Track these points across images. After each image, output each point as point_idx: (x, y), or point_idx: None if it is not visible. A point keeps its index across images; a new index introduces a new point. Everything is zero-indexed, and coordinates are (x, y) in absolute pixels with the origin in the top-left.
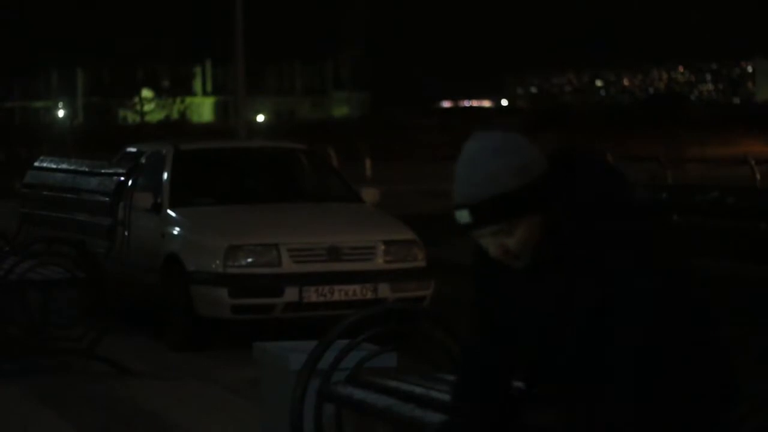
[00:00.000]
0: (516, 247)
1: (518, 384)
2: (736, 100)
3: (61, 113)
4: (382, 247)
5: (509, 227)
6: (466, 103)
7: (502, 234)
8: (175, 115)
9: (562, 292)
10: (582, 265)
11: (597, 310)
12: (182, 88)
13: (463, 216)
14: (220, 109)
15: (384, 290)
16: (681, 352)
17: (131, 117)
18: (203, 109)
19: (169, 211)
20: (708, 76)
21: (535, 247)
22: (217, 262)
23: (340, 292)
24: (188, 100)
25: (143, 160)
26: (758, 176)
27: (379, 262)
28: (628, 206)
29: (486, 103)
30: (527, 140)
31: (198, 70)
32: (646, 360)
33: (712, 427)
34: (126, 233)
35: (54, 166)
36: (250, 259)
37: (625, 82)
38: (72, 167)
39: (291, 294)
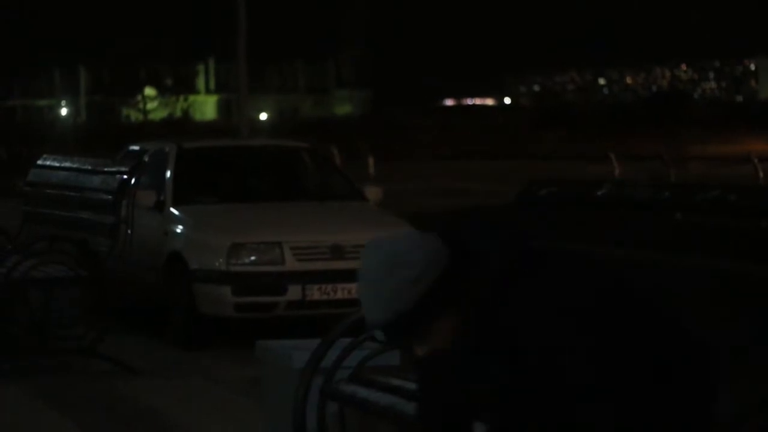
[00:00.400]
0: (440, 346)
1: None
2: (739, 99)
3: (63, 112)
4: None
5: (424, 335)
6: (469, 102)
7: (417, 342)
8: (178, 114)
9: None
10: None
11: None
12: (185, 86)
13: (379, 335)
14: (222, 107)
15: None
16: None
17: (134, 115)
18: (206, 107)
19: (172, 210)
20: (711, 75)
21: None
22: (220, 260)
23: (343, 291)
24: (191, 98)
25: (146, 159)
26: (761, 174)
27: None
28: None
29: (489, 102)
30: (420, 239)
31: (201, 68)
32: None
33: None
34: (129, 231)
35: (57, 164)
36: (253, 258)
37: (628, 80)
38: (75, 165)
39: (294, 292)
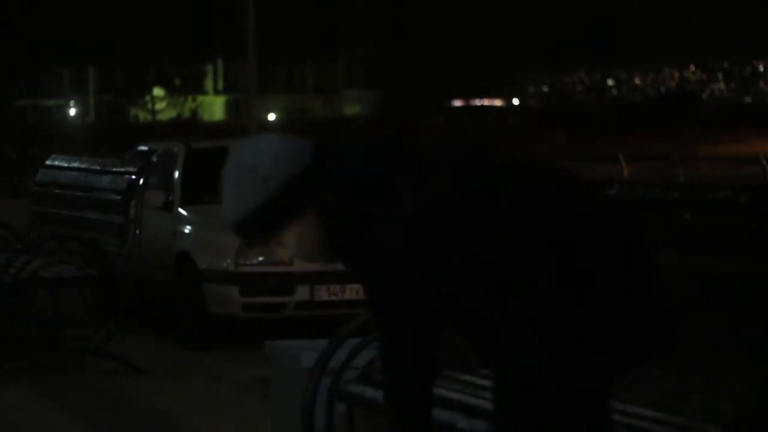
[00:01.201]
0: (297, 250)
1: None
2: (748, 99)
3: (72, 111)
4: None
5: (278, 236)
6: (478, 102)
7: (275, 242)
8: (186, 114)
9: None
10: (362, 248)
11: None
12: (193, 86)
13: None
14: (231, 107)
15: None
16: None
17: (142, 115)
18: (215, 107)
19: (181, 210)
20: (719, 75)
21: (327, 240)
22: (229, 260)
23: (351, 291)
24: (200, 98)
25: (155, 159)
26: None
27: None
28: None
29: (497, 102)
30: (277, 143)
31: (209, 68)
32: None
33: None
34: (137, 231)
35: (65, 164)
36: (261, 258)
37: (637, 81)
38: (83, 165)
39: (302, 293)
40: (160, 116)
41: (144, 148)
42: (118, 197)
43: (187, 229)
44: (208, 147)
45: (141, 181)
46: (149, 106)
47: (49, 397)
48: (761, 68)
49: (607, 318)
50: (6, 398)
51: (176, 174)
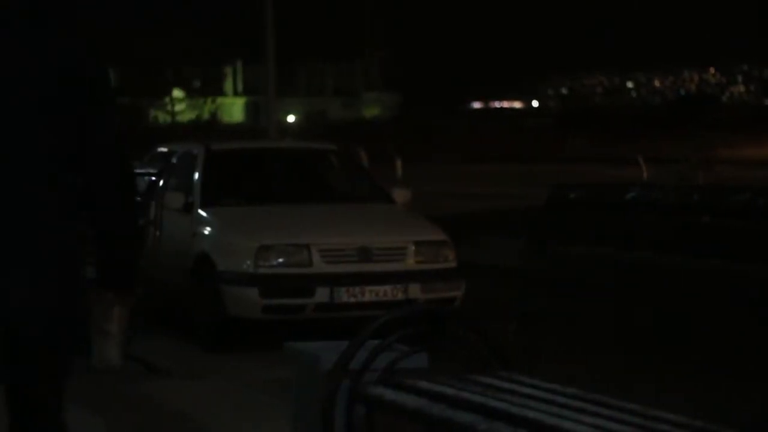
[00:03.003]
0: None
1: None
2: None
3: None
4: (413, 248)
5: None
6: (497, 105)
7: None
8: (205, 116)
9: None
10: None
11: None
12: (213, 88)
13: None
14: (250, 109)
15: (415, 291)
16: None
17: (162, 117)
18: (234, 109)
19: (200, 211)
20: (739, 78)
21: None
22: (248, 262)
23: (370, 293)
24: (219, 100)
25: (174, 160)
26: None
27: (410, 262)
28: None
29: (517, 105)
30: None
31: (229, 70)
32: None
33: None
34: (157, 233)
35: None
36: (281, 260)
37: (656, 83)
38: None
39: (322, 294)
40: (180, 118)
41: (164, 149)
42: (138, 199)
43: (207, 231)
44: (228, 149)
45: (160, 182)
46: (169, 107)
47: (70, 397)
48: None
49: None
50: None
51: (196, 175)
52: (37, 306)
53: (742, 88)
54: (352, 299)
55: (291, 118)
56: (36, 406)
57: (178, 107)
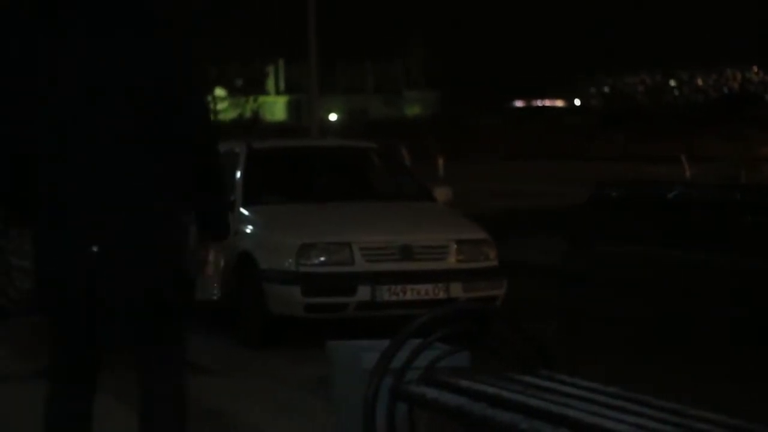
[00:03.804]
0: None
1: None
2: None
3: None
4: (455, 246)
5: None
6: (539, 103)
7: None
8: (247, 114)
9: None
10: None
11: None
12: (255, 86)
13: None
14: (292, 107)
15: (456, 289)
16: None
17: None
18: (276, 107)
19: (242, 210)
20: None
21: None
22: (290, 260)
23: (412, 292)
24: (261, 98)
25: None
26: None
27: (452, 261)
28: None
29: (558, 103)
30: None
31: (271, 68)
32: None
33: None
34: None
35: None
36: (322, 258)
37: (699, 81)
38: None
39: (363, 293)
40: (222, 116)
41: None
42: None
43: (249, 229)
44: (270, 147)
45: None
46: (211, 106)
47: (113, 394)
48: None
49: None
50: None
51: (238, 174)
52: (165, 269)
53: None
54: (394, 298)
55: (333, 117)
56: (166, 350)
57: (220, 106)
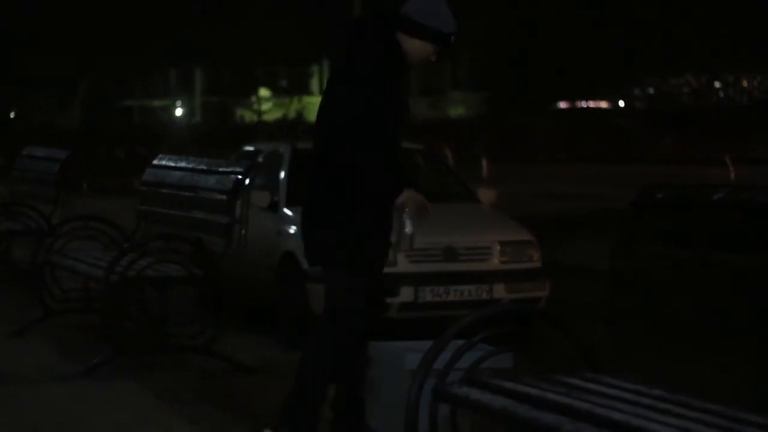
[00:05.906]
0: None
1: None
2: None
3: (178, 112)
4: (498, 248)
5: None
6: (583, 104)
7: None
8: (291, 115)
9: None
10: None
11: None
12: (299, 87)
13: None
14: None
15: (499, 291)
16: None
17: (248, 116)
18: None
19: (286, 210)
20: None
21: None
22: None
23: (455, 293)
24: (305, 99)
25: (261, 159)
26: None
27: (495, 262)
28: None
29: (603, 104)
30: None
31: (315, 69)
32: None
33: None
34: (243, 231)
35: (172, 164)
36: None
37: (744, 83)
38: (190, 165)
39: (406, 294)
40: (266, 117)
41: (250, 148)
42: (224, 197)
43: (292, 230)
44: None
45: (247, 181)
46: (255, 106)
47: (155, 393)
48: None
49: None
50: (113, 395)
51: (282, 174)
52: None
53: None
54: (437, 299)
55: None
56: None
57: (265, 106)
